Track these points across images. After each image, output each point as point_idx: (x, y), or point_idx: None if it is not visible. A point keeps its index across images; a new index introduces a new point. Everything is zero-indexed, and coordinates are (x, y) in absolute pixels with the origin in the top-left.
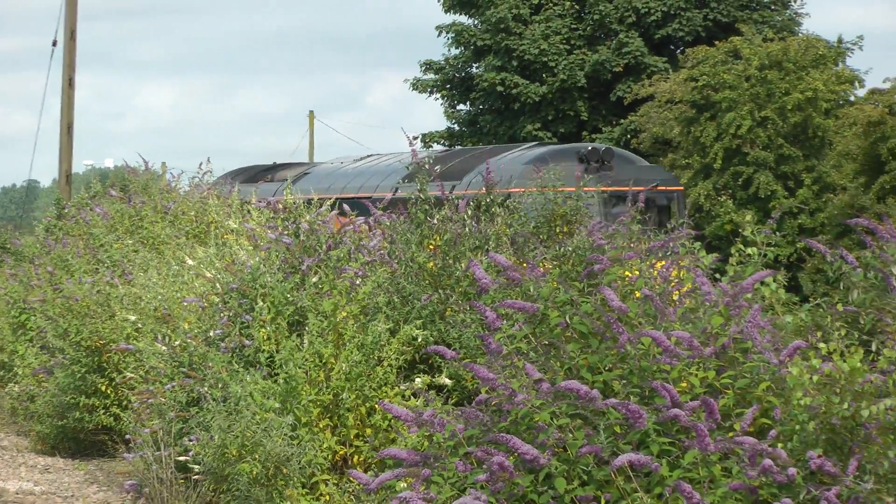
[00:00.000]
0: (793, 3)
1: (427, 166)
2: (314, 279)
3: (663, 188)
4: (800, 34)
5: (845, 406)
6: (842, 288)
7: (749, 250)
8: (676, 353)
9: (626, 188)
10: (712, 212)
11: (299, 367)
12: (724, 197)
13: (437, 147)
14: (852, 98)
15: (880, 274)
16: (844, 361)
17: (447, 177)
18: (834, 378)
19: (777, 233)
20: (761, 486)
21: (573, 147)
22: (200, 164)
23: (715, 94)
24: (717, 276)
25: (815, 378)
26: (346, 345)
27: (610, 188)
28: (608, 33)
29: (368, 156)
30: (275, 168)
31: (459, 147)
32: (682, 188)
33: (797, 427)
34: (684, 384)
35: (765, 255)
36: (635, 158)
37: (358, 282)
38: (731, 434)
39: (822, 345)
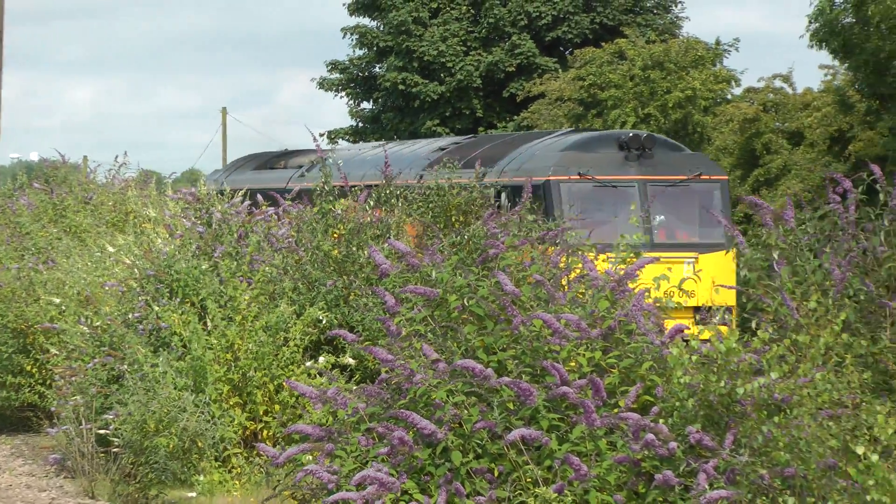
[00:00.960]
0: (674, 7)
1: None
2: (205, 266)
3: (707, 177)
4: (680, 36)
5: (722, 384)
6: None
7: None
8: (566, 334)
9: (669, 176)
10: None
11: (207, 348)
12: None
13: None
14: (729, 96)
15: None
16: (721, 343)
17: (475, 164)
18: (711, 358)
19: None
20: (644, 458)
21: (612, 134)
22: (116, 157)
23: (601, 92)
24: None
25: (694, 358)
26: (251, 326)
27: (652, 176)
28: (502, 36)
29: (387, 143)
30: (288, 154)
31: (489, 133)
32: (726, 177)
33: (678, 404)
34: (573, 363)
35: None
36: (678, 146)
37: (266, 268)
38: (616, 410)
39: (700, 327)
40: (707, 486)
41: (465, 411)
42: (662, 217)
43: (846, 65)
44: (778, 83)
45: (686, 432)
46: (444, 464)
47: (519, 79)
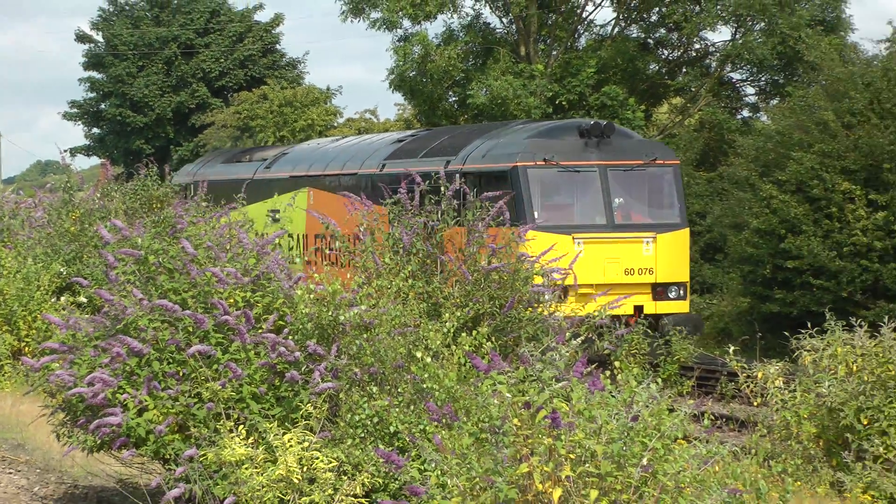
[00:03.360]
0: (300, 65)
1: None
2: None
3: (661, 161)
4: (304, 84)
5: (330, 313)
6: None
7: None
8: (227, 281)
9: (627, 161)
10: None
11: None
12: None
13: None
14: (336, 124)
15: None
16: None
17: (437, 153)
18: (323, 296)
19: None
20: (279, 363)
21: (574, 122)
22: None
23: (251, 121)
24: None
25: (312, 296)
26: (14, 277)
27: (611, 161)
28: (186, 84)
29: (342, 137)
30: (251, 150)
31: (442, 126)
32: (678, 161)
33: (300, 327)
34: (231, 300)
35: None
36: (633, 134)
37: (25, 239)
38: (260, 331)
39: (317, 275)
40: (319, 380)
41: (161, 333)
42: (621, 199)
43: (412, 103)
44: (368, 115)
45: (306, 345)
46: (146, 368)
47: (197, 113)
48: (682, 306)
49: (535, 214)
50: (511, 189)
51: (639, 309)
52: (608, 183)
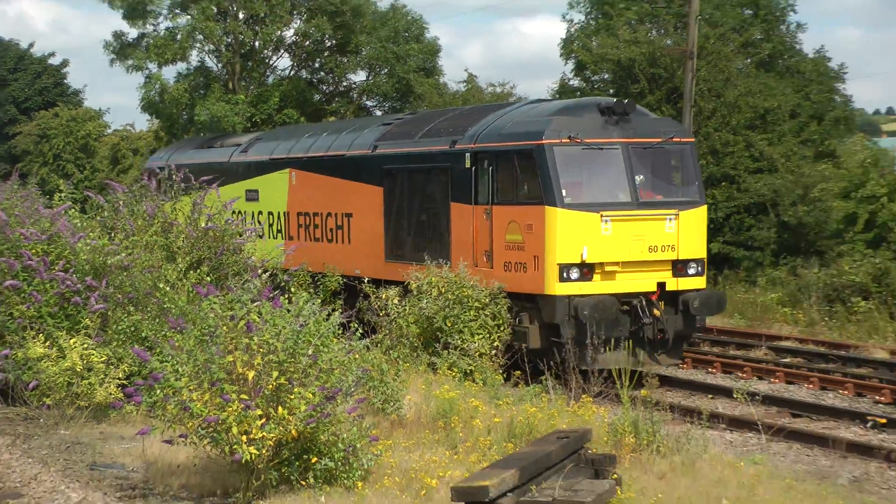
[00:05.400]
0: (80, 93)
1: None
2: None
3: (678, 139)
4: (84, 106)
5: (101, 258)
6: None
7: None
8: (31, 238)
9: (647, 139)
10: (49, 180)
11: None
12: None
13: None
14: (105, 133)
15: None
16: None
17: (438, 133)
18: (97, 247)
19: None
20: (66, 292)
21: (593, 100)
22: None
23: (48, 131)
24: None
25: (88, 248)
26: None
27: (633, 139)
28: (1, 105)
29: (314, 125)
30: (221, 137)
31: (434, 110)
32: (693, 140)
33: (81, 267)
34: (34, 251)
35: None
36: (648, 112)
37: None
38: (54, 271)
39: (91, 234)
40: (94, 303)
41: None
42: (642, 177)
43: (157, 120)
44: (128, 127)
45: (85, 280)
46: None
47: (9, 125)
48: (700, 282)
49: (563, 193)
50: (537, 167)
51: (661, 285)
52: (631, 160)
